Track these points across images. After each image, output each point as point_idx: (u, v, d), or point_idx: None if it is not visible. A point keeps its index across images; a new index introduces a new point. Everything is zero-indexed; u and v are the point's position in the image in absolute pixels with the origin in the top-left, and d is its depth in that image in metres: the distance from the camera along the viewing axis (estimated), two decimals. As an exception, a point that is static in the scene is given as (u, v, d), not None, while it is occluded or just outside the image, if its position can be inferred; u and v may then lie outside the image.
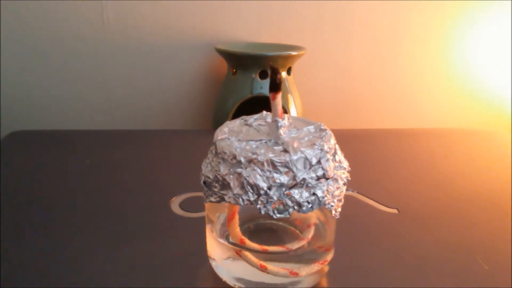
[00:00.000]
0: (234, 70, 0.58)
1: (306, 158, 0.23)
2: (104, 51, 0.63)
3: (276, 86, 0.24)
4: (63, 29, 0.61)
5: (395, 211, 0.35)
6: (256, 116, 0.28)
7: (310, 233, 0.27)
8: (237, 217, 0.26)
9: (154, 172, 0.43)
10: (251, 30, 0.65)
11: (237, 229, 0.26)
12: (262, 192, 0.23)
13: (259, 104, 0.58)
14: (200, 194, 0.38)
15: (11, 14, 0.60)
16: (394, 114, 0.72)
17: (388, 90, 0.70)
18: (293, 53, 0.56)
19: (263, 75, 0.56)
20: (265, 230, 0.29)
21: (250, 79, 0.57)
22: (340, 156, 0.25)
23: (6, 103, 0.64)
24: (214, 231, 0.27)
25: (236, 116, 0.58)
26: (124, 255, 0.29)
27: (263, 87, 0.57)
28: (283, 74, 0.58)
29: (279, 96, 0.24)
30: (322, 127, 0.26)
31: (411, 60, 0.69)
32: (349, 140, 0.52)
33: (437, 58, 0.69)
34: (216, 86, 0.67)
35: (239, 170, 0.23)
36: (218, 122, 0.59)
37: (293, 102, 0.59)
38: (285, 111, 0.57)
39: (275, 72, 0.24)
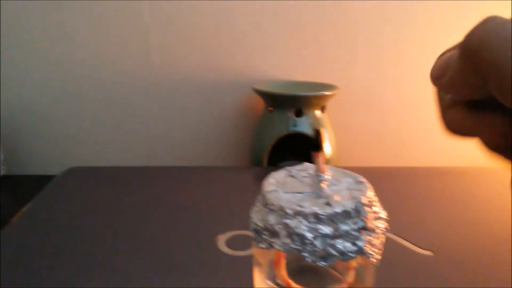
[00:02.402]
0: (271, 108, 0.62)
1: (346, 211, 0.25)
2: (148, 91, 0.68)
3: (319, 146, 0.26)
4: (111, 69, 0.67)
5: (430, 253, 0.37)
6: (298, 167, 0.31)
7: (351, 276, 0.30)
8: (283, 261, 0.29)
9: (198, 209, 0.46)
10: (286, 69, 0.69)
11: (284, 272, 0.29)
12: (307, 241, 0.25)
13: (294, 141, 0.61)
14: (244, 232, 0.41)
15: (62, 53, 0.66)
16: (428, 152, 0.73)
17: (421, 127, 0.72)
18: (327, 93, 0.59)
19: (298, 113, 0.59)
20: (308, 271, 0.31)
21: (286, 117, 0.60)
22: (377, 207, 0.28)
23: (61, 138, 0.70)
24: (262, 273, 0.29)
25: (272, 152, 0.61)
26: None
27: (297, 124, 0.59)
28: (317, 112, 0.61)
29: (322, 154, 0.27)
30: (359, 179, 0.29)
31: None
32: (381, 178, 0.54)
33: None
34: (252, 123, 0.70)
35: (286, 220, 0.26)
36: (255, 158, 0.63)
37: (327, 138, 0.61)
38: (320, 147, 0.60)
39: (318, 133, 0.26)
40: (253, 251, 0.30)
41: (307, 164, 0.31)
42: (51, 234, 0.40)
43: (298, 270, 0.31)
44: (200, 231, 0.41)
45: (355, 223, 0.26)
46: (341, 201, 0.26)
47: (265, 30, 0.67)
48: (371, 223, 0.26)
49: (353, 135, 0.71)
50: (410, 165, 0.63)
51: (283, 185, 0.28)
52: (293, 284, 0.28)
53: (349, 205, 0.25)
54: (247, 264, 0.34)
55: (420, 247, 0.37)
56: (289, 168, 0.31)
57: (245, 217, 0.44)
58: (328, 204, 0.26)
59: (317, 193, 0.27)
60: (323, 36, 0.68)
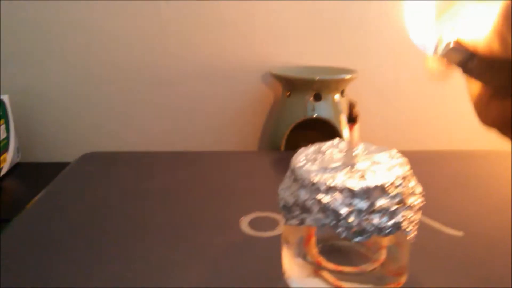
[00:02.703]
0: (289, 93, 0.61)
1: (383, 185, 0.24)
2: (164, 76, 0.68)
3: (353, 119, 0.25)
4: (126, 55, 0.66)
5: (461, 233, 0.35)
6: (328, 143, 0.30)
7: (382, 255, 0.29)
8: (314, 238, 0.28)
9: (218, 193, 0.45)
10: (303, 54, 0.67)
11: (314, 250, 0.28)
12: (342, 217, 0.24)
13: (312, 126, 0.60)
14: (266, 213, 0.40)
15: (77, 39, 0.66)
16: (449, 135, 0.72)
17: (441, 110, 0.70)
18: (346, 76, 0.58)
19: (317, 98, 0.58)
20: (337, 250, 0.30)
21: (304, 101, 0.59)
22: (414, 182, 0.26)
23: (76, 125, 0.69)
24: (291, 251, 0.29)
25: (290, 136, 0.60)
26: (198, 273, 0.31)
27: (316, 109, 0.58)
28: (336, 96, 0.59)
29: (355, 127, 0.26)
30: (394, 154, 0.28)
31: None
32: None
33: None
34: (270, 108, 0.69)
35: (319, 196, 0.25)
36: (273, 143, 0.62)
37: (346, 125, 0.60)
38: (338, 132, 0.59)
39: (353, 106, 0.25)
40: (283, 228, 0.29)
41: (336, 140, 0.30)
42: (65, 221, 0.40)
43: (328, 249, 0.30)
44: (222, 214, 0.40)
45: (392, 198, 0.24)
46: (377, 175, 0.25)
47: (282, 15, 0.66)
48: (408, 198, 0.25)
49: (373, 119, 0.70)
50: (433, 149, 0.62)
51: (313, 161, 0.27)
52: (324, 261, 0.27)
53: (386, 179, 0.24)
54: (272, 245, 0.34)
55: (450, 228, 0.36)
56: (318, 144, 0.30)
57: (266, 199, 0.44)
58: (362, 178, 0.25)
59: (351, 168, 0.26)
60: (341, 20, 0.66)
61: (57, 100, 0.68)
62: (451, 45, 0.20)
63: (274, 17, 0.66)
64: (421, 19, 0.21)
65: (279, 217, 0.39)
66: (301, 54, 0.68)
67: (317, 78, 0.57)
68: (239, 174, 0.51)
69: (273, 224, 0.38)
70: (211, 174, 0.50)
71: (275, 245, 0.31)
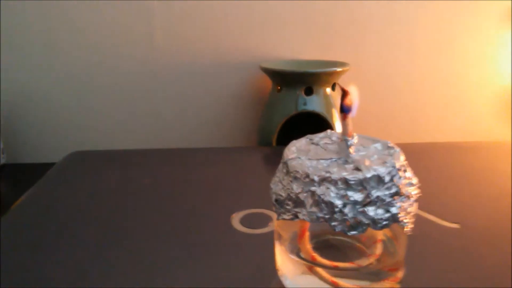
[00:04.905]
0: (279, 88, 0.60)
1: (379, 176, 0.23)
2: (152, 71, 0.66)
3: (346, 108, 0.24)
4: (112, 50, 0.65)
5: (457, 225, 0.35)
6: (321, 134, 0.29)
7: (378, 250, 0.28)
8: (307, 233, 0.27)
9: (209, 190, 0.44)
10: (294, 48, 0.66)
11: (308, 246, 0.27)
12: (336, 209, 0.23)
13: (304, 120, 0.59)
14: (258, 210, 0.39)
15: (62, 38, 0.64)
16: (439, 128, 0.71)
17: (433, 103, 0.70)
18: (337, 69, 0.57)
19: (308, 92, 0.57)
20: (331, 246, 0.29)
21: (295, 96, 0.58)
22: (410, 173, 0.26)
23: (62, 125, 0.68)
24: (284, 247, 0.28)
25: (281, 132, 0.59)
26: (188, 272, 0.30)
27: (307, 103, 0.57)
28: (328, 90, 0.58)
29: (349, 117, 0.25)
30: (389, 145, 0.27)
31: (459, 72, 0.68)
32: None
33: (489, 68, 0.68)
34: (260, 103, 0.68)
35: (313, 188, 0.24)
36: (263, 138, 0.61)
37: (338, 117, 0.59)
38: (330, 126, 0.58)
39: (345, 94, 0.24)
40: (275, 224, 0.28)
41: (329, 131, 0.29)
42: (51, 221, 0.38)
43: (322, 245, 0.29)
44: (213, 211, 0.39)
45: (388, 189, 0.24)
46: (372, 166, 0.24)
47: (272, 8, 0.64)
48: (405, 189, 0.24)
49: (364, 112, 0.69)
50: (426, 141, 0.61)
51: (306, 153, 0.26)
52: (318, 257, 0.26)
53: (382, 170, 0.23)
54: (264, 242, 0.33)
55: (446, 220, 0.35)
56: (310, 136, 0.29)
57: (258, 195, 0.42)
58: (357, 169, 0.24)
59: (345, 159, 0.25)
60: (332, 13, 0.65)
61: (43, 100, 0.67)
62: None
63: (264, 10, 0.65)
64: None
65: (271, 213, 0.38)
66: (292, 48, 0.67)
67: (308, 71, 0.56)
68: (230, 170, 0.49)
69: (266, 220, 0.37)
70: (202, 171, 0.49)
71: (267, 242, 0.30)
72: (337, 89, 0.60)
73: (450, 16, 0.66)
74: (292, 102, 0.58)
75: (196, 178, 0.47)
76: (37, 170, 0.56)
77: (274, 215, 0.37)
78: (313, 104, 0.57)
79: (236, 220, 0.37)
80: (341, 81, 0.62)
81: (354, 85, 0.25)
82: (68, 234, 0.36)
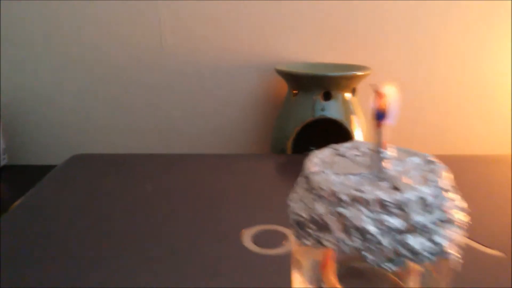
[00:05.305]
0: (295, 92, 0.56)
1: (422, 197, 0.19)
2: (162, 75, 0.63)
3: (380, 113, 0.20)
4: (121, 53, 0.62)
5: (501, 254, 0.30)
6: (347, 144, 0.25)
7: (414, 283, 0.24)
8: (332, 262, 0.23)
9: (218, 200, 0.40)
10: (311, 50, 0.63)
11: (332, 276, 0.23)
12: (369, 237, 0.19)
13: (321, 127, 0.55)
14: (272, 226, 0.35)
15: (66, 39, 0.61)
16: (469, 138, 0.66)
17: (459, 112, 0.65)
18: (359, 73, 0.53)
19: (326, 96, 0.53)
20: (359, 275, 0.25)
21: (312, 100, 0.54)
22: (455, 194, 0.21)
23: (66, 127, 0.65)
24: (303, 276, 0.23)
25: (296, 139, 0.55)
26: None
27: (325, 109, 0.54)
28: (347, 95, 0.54)
29: (385, 124, 0.21)
30: (429, 158, 0.23)
31: (483, 79, 0.64)
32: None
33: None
34: (274, 108, 0.64)
35: (341, 210, 0.20)
36: (277, 145, 0.57)
37: (358, 124, 0.55)
38: (350, 134, 0.54)
39: (380, 97, 0.20)
40: (293, 248, 0.24)
41: (357, 141, 0.25)
42: (48, 224, 0.36)
43: (347, 273, 0.25)
44: (222, 225, 0.35)
45: (433, 214, 0.19)
46: (413, 185, 0.20)
47: (289, 8, 0.61)
48: (452, 214, 0.20)
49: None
50: (450, 153, 0.57)
51: (331, 166, 0.22)
52: (344, 291, 0.22)
53: (425, 190, 0.19)
54: (279, 265, 0.29)
55: (489, 248, 0.31)
56: (334, 146, 0.25)
57: (272, 209, 0.38)
58: (395, 188, 0.20)
59: (379, 175, 0.21)
60: (351, 14, 0.61)
61: (46, 101, 0.64)
62: None
63: (279, 10, 0.61)
64: None
65: (287, 231, 0.34)
66: (308, 50, 0.63)
67: (326, 74, 0.52)
68: (241, 180, 0.46)
69: (280, 239, 0.33)
70: (209, 179, 0.45)
71: (282, 265, 0.26)
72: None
73: (480, 17, 0.61)
74: (309, 108, 0.54)
75: (203, 187, 0.43)
76: (39, 172, 0.54)
77: (290, 233, 0.33)
78: (332, 110, 0.53)
79: (246, 236, 0.33)
80: (361, 86, 0.58)
81: (392, 85, 0.21)
82: (62, 238, 0.34)
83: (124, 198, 0.41)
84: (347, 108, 0.54)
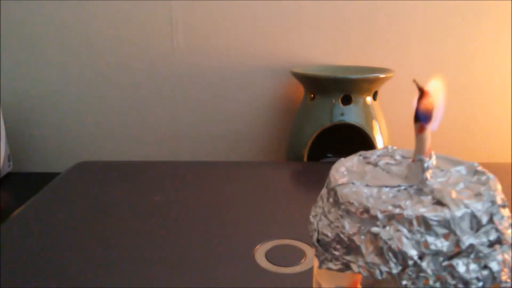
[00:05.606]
0: (312, 96, 0.53)
1: (473, 215, 0.16)
2: (172, 78, 0.61)
3: (425, 114, 0.17)
4: (127, 53, 0.59)
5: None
6: (378, 152, 0.22)
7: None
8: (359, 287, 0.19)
9: (228, 211, 0.37)
10: (329, 51, 0.59)
11: (361, 305, 0.19)
12: (410, 262, 0.16)
13: (340, 133, 0.52)
14: (288, 242, 0.32)
15: (73, 41, 0.59)
16: (497, 145, 0.63)
17: (488, 118, 0.61)
18: (381, 75, 0.50)
19: (345, 101, 0.50)
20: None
21: (330, 105, 0.51)
22: (509, 210, 0.18)
23: (71, 133, 0.63)
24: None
25: (313, 146, 0.52)
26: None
27: (344, 113, 0.50)
28: (368, 99, 0.51)
29: (429, 128, 0.18)
30: (478, 169, 0.19)
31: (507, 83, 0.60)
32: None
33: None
34: (290, 112, 0.61)
35: (374, 229, 0.17)
36: (293, 152, 0.54)
37: (379, 129, 0.52)
38: (371, 141, 0.50)
39: (424, 95, 0.17)
40: (315, 271, 0.21)
41: (390, 147, 0.22)
42: (49, 231, 0.34)
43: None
44: (232, 240, 0.32)
45: (485, 234, 0.16)
46: (461, 199, 0.17)
47: (305, 7, 0.58)
48: (508, 236, 0.17)
49: (407, 125, 0.61)
50: (479, 160, 0.53)
51: (361, 176, 0.19)
52: (376, 323, 0.19)
53: (477, 206, 0.16)
54: (296, 285, 0.26)
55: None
56: (363, 153, 0.22)
57: (288, 222, 0.35)
58: (441, 204, 0.17)
59: (419, 187, 0.18)
60: (371, 15, 0.58)
61: (52, 107, 0.62)
62: None
63: (295, 10, 0.58)
64: None
65: (305, 246, 0.31)
66: (326, 52, 0.60)
67: (346, 77, 0.49)
68: (254, 189, 0.43)
69: (298, 256, 0.30)
70: (221, 189, 0.42)
71: (300, 285, 0.23)
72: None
73: (502, 23, 0.58)
74: (327, 112, 0.51)
75: (214, 197, 0.40)
76: (44, 180, 0.52)
77: (309, 250, 0.30)
78: (352, 115, 0.50)
79: (260, 253, 0.30)
80: (383, 89, 0.54)
81: (437, 80, 0.18)
82: (64, 246, 0.32)
83: (130, 208, 0.38)
84: (368, 113, 0.51)
